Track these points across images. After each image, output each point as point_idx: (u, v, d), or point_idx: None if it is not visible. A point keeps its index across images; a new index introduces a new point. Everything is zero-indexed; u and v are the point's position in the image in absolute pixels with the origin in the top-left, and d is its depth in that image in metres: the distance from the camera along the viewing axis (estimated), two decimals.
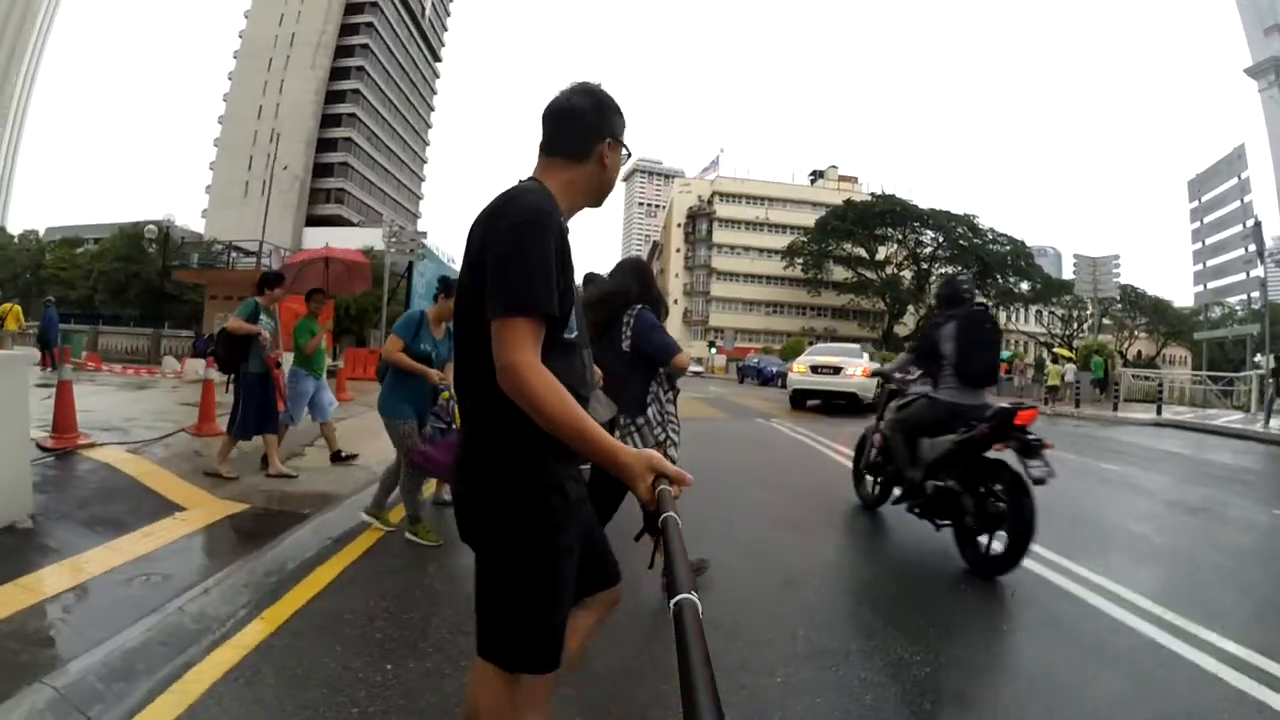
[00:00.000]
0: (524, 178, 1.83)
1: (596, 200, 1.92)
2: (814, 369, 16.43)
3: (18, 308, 19.12)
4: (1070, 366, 25.96)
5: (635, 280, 3.81)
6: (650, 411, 3.63)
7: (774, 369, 34.41)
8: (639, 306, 3.70)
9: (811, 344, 65.49)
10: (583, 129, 1.82)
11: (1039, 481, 4.19)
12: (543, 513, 1.72)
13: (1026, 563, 4.34)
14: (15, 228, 77.03)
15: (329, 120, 76.70)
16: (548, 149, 1.84)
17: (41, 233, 73.17)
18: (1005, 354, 37.30)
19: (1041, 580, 4.40)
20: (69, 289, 60.07)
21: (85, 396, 12.28)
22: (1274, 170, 18.26)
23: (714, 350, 58.42)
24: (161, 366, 18.46)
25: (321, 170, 75.90)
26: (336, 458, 7.30)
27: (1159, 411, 19.59)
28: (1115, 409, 21.14)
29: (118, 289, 51.98)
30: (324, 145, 76.12)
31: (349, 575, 4.10)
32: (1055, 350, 35.65)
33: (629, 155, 1.93)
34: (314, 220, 73.14)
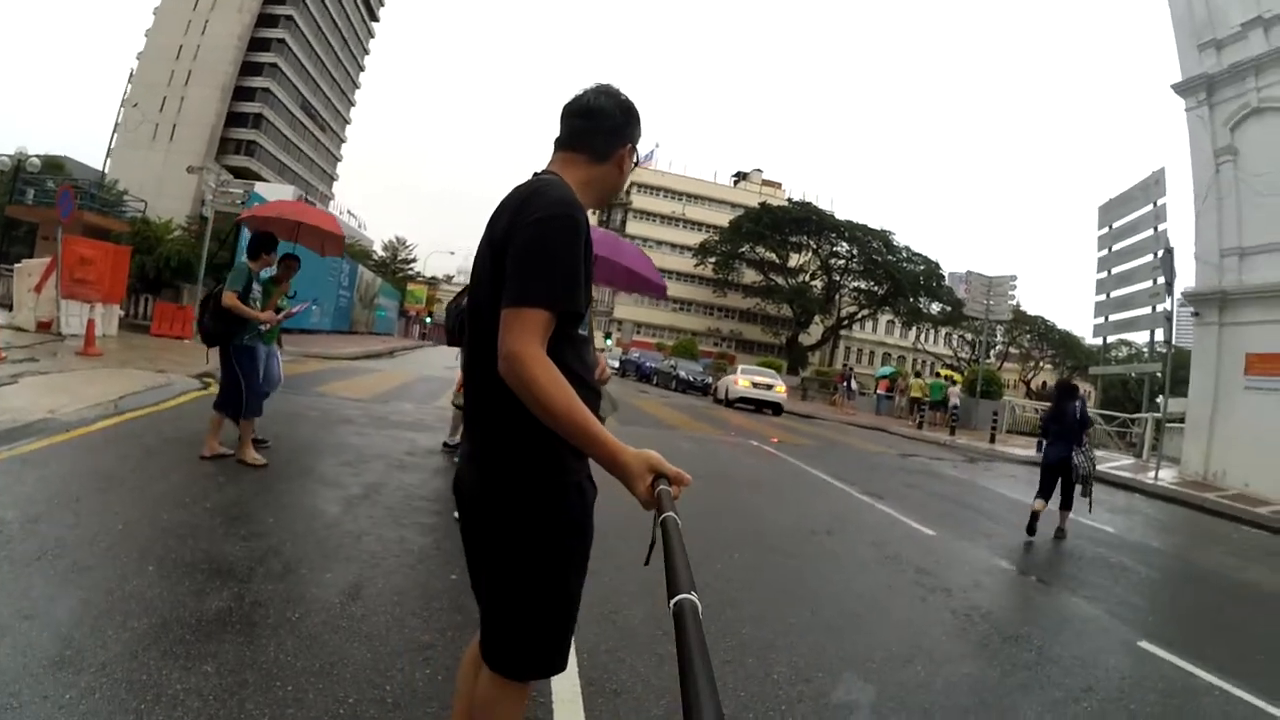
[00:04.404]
0: (540, 170, 1.83)
1: (604, 201, 1.92)
2: (754, 384, 23.82)
3: None
4: (955, 388, 25.67)
5: (1071, 389, 8.53)
6: (1085, 447, 8.03)
7: (651, 365, 34.24)
8: (1081, 402, 8.29)
9: (717, 345, 67.03)
10: (608, 131, 1.84)
11: None
12: (564, 512, 1.70)
13: None
14: None
15: (249, 68, 73.06)
16: (568, 145, 1.84)
17: None
18: (888, 370, 37.78)
19: None
20: None
21: None
22: (1193, 195, 17.31)
23: (610, 342, 57.33)
24: None
25: (235, 119, 72.53)
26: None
27: (1039, 448, 18.63)
28: (952, 433, 20.93)
29: (8, 224, 48.80)
30: (241, 93, 72.64)
31: None
32: (939, 370, 36.00)
33: (637, 163, 1.95)
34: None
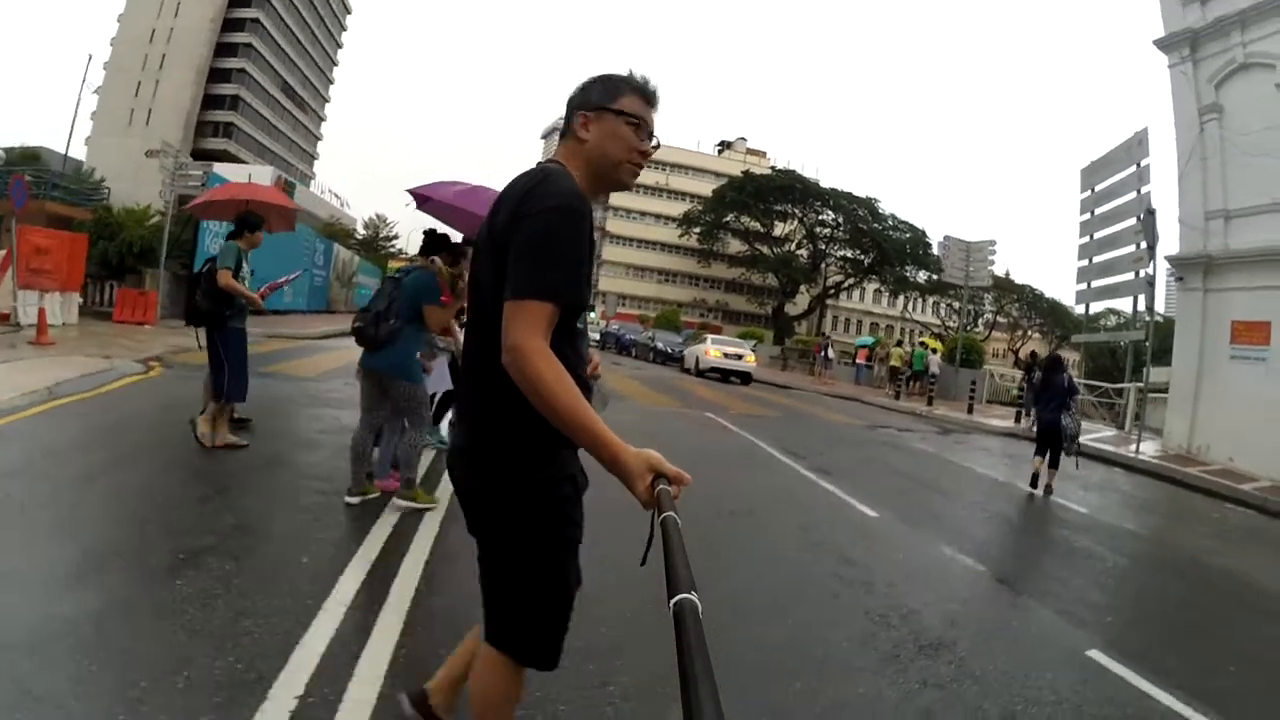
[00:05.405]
0: (544, 160, 1.85)
1: (605, 182, 1.85)
2: (725, 354, 24.14)
3: None
4: (935, 357, 25.40)
5: (1059, 362, 9.75)
6: (1072, 411, 9.06)
7: (630, 337, 34.36)
8: (1067, 374, 9.50)
9: (703, 315, 66.88)
10: (569, 110, 1.83)
11: None
12: (555, 503, 1.71)
13: None
14: None
15: (224, 49, 72.15)
16: (563, 134, 1.85)
17: None
18: (867, 340, 37.51)
19: None
20: None
21: None
22: (1177, 155, 16.38)
23: (593, 315, 56.67)
24: None
25: (211, 102, 71.77)
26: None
27: (1017, 419, 17.82)
28: (929, 403, 20.51)
29: None
30: (216, 75, 71.78)
31: None
32: (922, 339, 35.88)
33: (643, 133, 1.82)
34: (199, 155, 69.37)
